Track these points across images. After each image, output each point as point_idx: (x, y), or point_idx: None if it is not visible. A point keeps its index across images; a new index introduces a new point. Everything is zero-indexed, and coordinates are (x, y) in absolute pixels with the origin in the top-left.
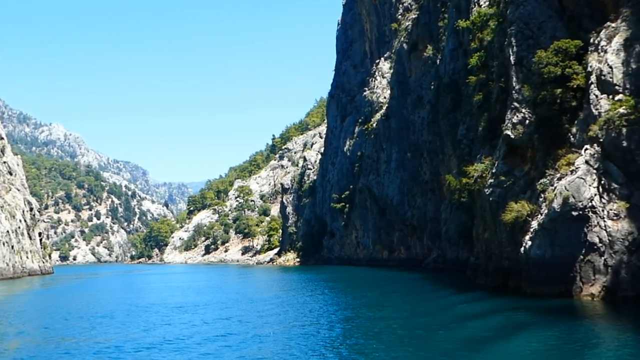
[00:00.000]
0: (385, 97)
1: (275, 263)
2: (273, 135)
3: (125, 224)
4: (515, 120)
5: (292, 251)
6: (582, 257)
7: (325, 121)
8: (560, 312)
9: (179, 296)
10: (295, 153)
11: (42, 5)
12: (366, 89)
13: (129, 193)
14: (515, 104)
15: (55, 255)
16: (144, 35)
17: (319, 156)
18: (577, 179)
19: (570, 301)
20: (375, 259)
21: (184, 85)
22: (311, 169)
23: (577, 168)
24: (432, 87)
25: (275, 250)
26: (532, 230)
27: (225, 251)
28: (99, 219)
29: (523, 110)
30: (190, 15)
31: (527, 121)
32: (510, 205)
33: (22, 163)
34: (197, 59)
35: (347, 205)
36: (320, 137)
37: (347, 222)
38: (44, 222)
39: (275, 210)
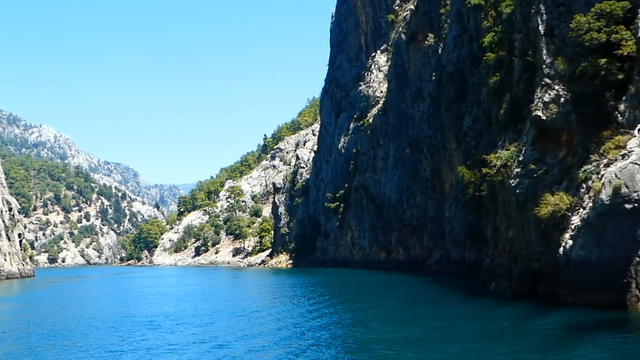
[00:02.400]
0: (382, 91)
1: (267, 265)
2: (265, 135)
3: (115, 225)
4: (546, 98)
5: (284, 253)
6: (638, 259)
7: (318, 120)
8: (615, 326)
9: (157, 305)
10: (287, 153)
11: (33, 7)
12: (362, 83)
13: (119, 194)
14: (547, 80)
15: (44, 257)
16: (135, 37)
17: (312, 154)
18: (631, 164)
19: (624, 313)
20: (371, 260)
21: (175, 87)
22: (304, 168)
23: (629, 152)
24: (434, 77)
25: (267, 252)
26: (573, 227)
27: (216, 253)
28: (88, 220)
29: (556, 87)
30: (180, 17)
31: (562, 99)
32: (546, 198)
33: (10, 164)
34: (188, 60)
35: (342, 205)
36: (314, 135)
37: (342, 222)
38: (33, 223)
39: (267, 211)
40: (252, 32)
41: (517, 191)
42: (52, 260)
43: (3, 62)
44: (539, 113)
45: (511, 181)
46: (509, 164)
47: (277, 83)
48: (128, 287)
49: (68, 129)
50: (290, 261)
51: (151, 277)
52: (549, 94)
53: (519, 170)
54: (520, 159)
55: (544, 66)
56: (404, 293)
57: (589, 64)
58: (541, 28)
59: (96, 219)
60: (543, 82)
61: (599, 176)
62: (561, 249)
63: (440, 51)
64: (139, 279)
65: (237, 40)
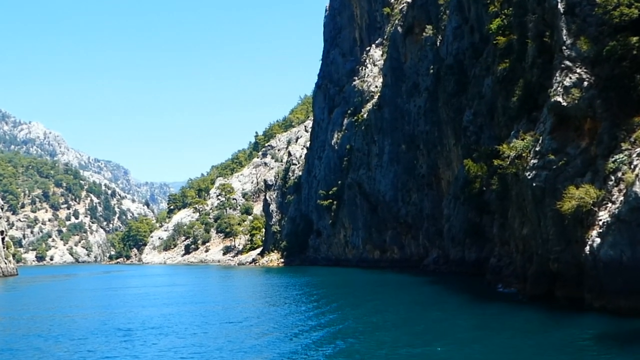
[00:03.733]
0: (377, 86)
1: (257, 264)
2: (256, 133)
3: (105, 223)
4: (567, 83)
5: (275, 251)
6: None
7: (310, 117)
8: None
9: (137, 309)
10: (278, 150)
11: (22, 4)
12: (356, 78)
13: (109, 192)
14: (567, 62)
15: (32, 255)
16: (125, 34)
17: (305, 151)
18: None
19: None
20: (365, 259)
21: (167, 85)
22: (296, 165)
23: None
24: (432, 71)
25: (258, 250)
26: (600, 223)
27: (206, 251)
28: (77, 218)
29: (578, 70)
30: (171, 15)
31: (586, 83)
32: (569, 191)
33: None
34: (179, 58)
35: (335, 202)
36: (306, 131)
37: (335, 220)
38: (20, 221)
39: (257, 209)
40: (243, 29)
41: (534, 184)
42: (40, 258)
43: None
44: (559, 99)
45: (527, 173)
46: (524, 155)
47: (269, 80)
48: (111, 287)
49: (58, 126)
50: (282, 260)
51: (137, 277)
52: (570, 78)
53: (535, 161)
54: (537, 149)
55: (563, 48)
56: (407, 295)
57: (617, 44)
58: (560, 6)
59: (85, 216)
60: (563, 65)
61: (632, 167)
62: (587, 247)
63: (438, 43)
64: (124, 278)
65: (228, 37)
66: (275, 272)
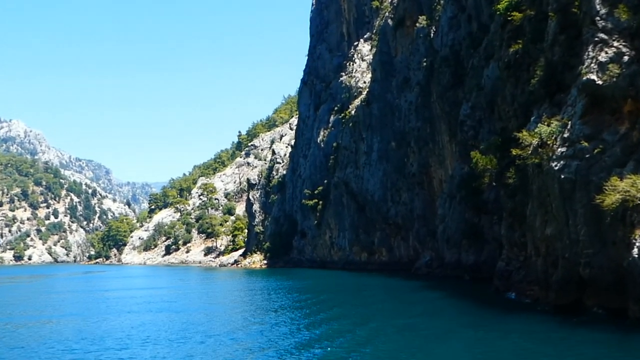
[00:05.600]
0: (365, 82)
1: (240, 265)
2: (239, 132)
3: (85, 223)
4: (602, 58)
5: (258, 252)
6: None
7: (294, 117)
8: None
9: (106, 317)
10: (262, 150)
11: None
12: (343, 73)
13: (89, 191)
14: (602, 35)
15: (9, 254)
16: (106, 30)
17: (289, 149)
18: None
19: None
20: (352, 262)
21: (149, 84)
22: (280, 163)
23: None
24: (425, 64)
25: (240, 251)
26: None
27: (187, 252)
28: (56, 217)
29: (615, 44)
30: (153, 10)
31: (626, 58)
32: (612, 183)
33: None
34: (161, 57)
35: (321, 202)
36: (291, 129)
37: (321, 220)
38: None
39: (240, 209)
40: (226, 27)
41: (562, 176)
42: (18, 257)
43: None
44: (593, 77)
45: (553, 164)
46: (549, 142)
47: (253, 79)
48: (83, 289)
49: (39, 124)
50: (265, 261)
51: (114, 278)
52: (606, 53)
53: (564, 150)
54: (566, 135)
55: (597, 19)
56: (405, 303)
57: None
58: None
59: (65, 215)
60: (596, 39)
61: None
62: (635, 250)
63: (432, 35)
64: (99, 280)
65: (210, 35)
66: (258, 275)
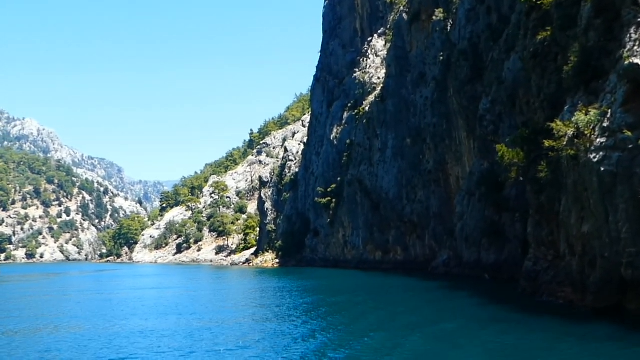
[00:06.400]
0: (379, 77)
1: (251, 264)
2: (251, 130)
3: (97, 221)
4: None
5: (270, 251)
6: None
7: (306, 115)
8: None
9: (108, 321)
10: (274, 148)
11: None
12: (357, 69)
13: (101, 189)
14: None
15: (22, 252)
16: (120, 28)
17: (302, 146)
18: None
19: None
20: (366, 260)
21: (162, 82)
22: (293, 161)
23: None
24: (442, 57)
25: (252, 250)
26: None
27: (198, 250)
28: (68, 215)
29: None
30: (163, 9)
31: None
32: None
33: None
34: (174, 56)
35: (334, 200)
36: (303, 126)
37: (334, 218)
38: (11, 217)
39: (252, 207)
40: (238, 25)
41: (602, 169)
42: (30, 255)
43: None
44: (637, 60)
45: (592, 155)
46: (586, 132)
47: (264, 78)
48: (90, 289)
49: (52, 122)
50: (277, 260)
51: (124, 277)
52: None
53: (603, 140)
54: (606, 124)
55: None
56: (429, 306)
57: None
58: None
59: (77, 214)
60: (639, 20)
61: None
62: None
63: (449, 28)
64: (107, 279)
65: (223, 33)
66: (270, 274)
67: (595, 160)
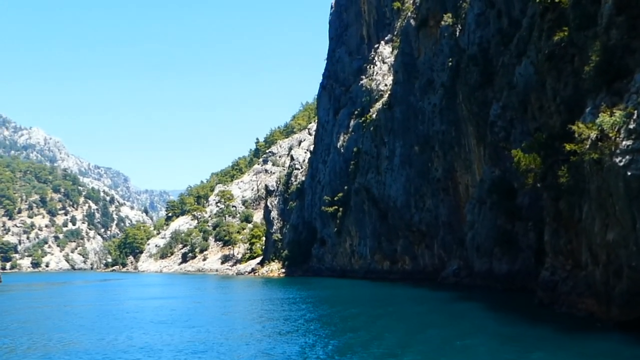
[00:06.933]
0: (386, 85)
1: (257, 274)
2: (257, 139)
3: (102, 230)
4: None
5: (276, 260)
6: None
7: (312, 123)
8: None
9: (103, 335)
10: (280, 157)
11: (21, 6)
12: (363, 77)
13: (107, 198)
14: None
15: (27, 261)
16: (126, 36)
17: (308, 155)
18: None
19: None
20: (373, 270)
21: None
22: (299, 169)
23: None
24: (450, 64)
25: (258, 260)
26: None
27: (204, 260)
28: (74, 224)
29: None
30: (172, 18)
31: None
32: None
33: None
34: (179, 62)
35: (341, 209)
36: (310, 134)
37: (341, 228)
38: (17, 226)
39: (258, 216)
40: (243, 33)
41: (629, 173)
42: (35, 264)
43: None
44: None
45: (617, 159)
46: (611, 135)
47: (270, 86)
48: (90, 301)
49: (59, 131)
50: (283, 270)
51: (127, 287)
52: None
53: (629, 143)
54: (632, 126)
55: None
56: (443, 318)
57: None
58: None
59: (82, 223)
60: None
61: None
62: None
63: (458, 34)
64: (111, 289)
65: (228, 42)
66: (276, 284)
67: (622, 164)
